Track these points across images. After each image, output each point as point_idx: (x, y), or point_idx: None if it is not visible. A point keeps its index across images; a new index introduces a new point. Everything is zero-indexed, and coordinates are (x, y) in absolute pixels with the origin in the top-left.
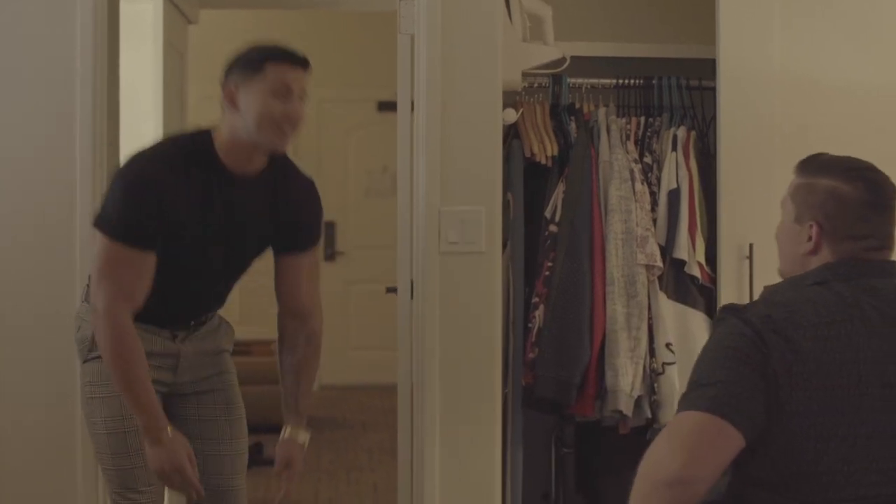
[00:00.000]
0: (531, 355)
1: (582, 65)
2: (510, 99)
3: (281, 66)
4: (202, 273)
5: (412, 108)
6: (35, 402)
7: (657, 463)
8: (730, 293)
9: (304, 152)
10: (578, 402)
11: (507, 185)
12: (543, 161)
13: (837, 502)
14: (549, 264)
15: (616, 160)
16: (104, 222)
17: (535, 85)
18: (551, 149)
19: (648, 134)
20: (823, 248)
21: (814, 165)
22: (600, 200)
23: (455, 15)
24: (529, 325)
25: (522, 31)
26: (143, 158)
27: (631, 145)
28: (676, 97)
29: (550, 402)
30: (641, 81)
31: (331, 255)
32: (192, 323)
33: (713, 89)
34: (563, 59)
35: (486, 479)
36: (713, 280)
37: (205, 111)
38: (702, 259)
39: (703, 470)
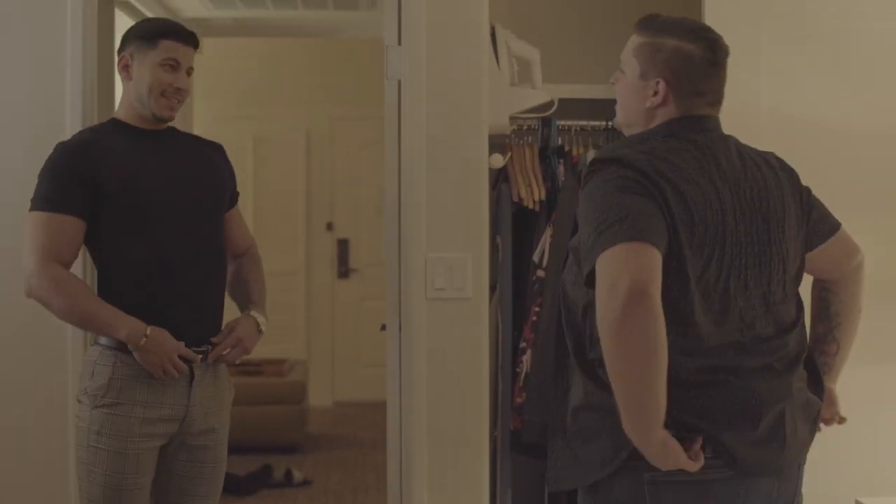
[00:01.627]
0: (519, 400)
1: (571, 107)
2: (499, 142)
3: (173, 43)
4: (174, 234)
5: (399, 154)
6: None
7: (607, 302)
8: None
9: (317, 170)
10: None
11: (496, 229)
12: (531, 205)
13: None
14: (537, 309)
15: None
16: (32, 203)
17: (525, 127)
18: (539, 193)
19: None
20: (670, 103)
21: (656, 25)
22: None
23: (440, 61)
24: (517, 369)
25: (510, 75)
26: (60, 142)
27: None
28: None
29: (538, 446)
30: None
31: (344, 273)
32: (203, 342)
33: None
34: (552, 103)
35: None
36: None
37: (221, 130)
38: None
39: (646, 275)
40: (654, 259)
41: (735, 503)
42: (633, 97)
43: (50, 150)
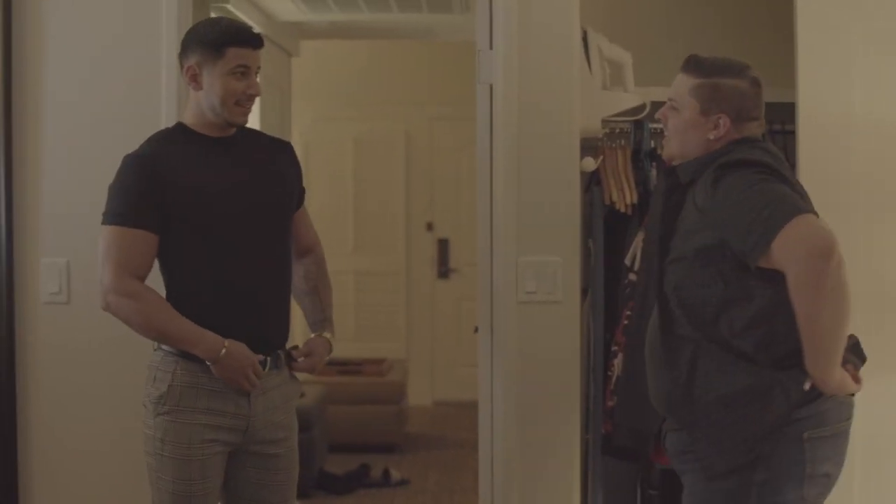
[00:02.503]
0: (610, 403)
1: None
2: (591, 145)
3: (240, 49)
4: (242, 243)
5: (490, 158)
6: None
7: (816, 262)
8: None
9: (416, 170)
10: (657, 451)
11: (588, 232)
12: (623, 209)
13: None
14: (628, 313)
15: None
16: (105, 217)
17: (617, 130)
18: (630, 196)
19: None
20: (729, 133)
21: (705, 67)
22: None
23: (532, 65)
24: (609, 373)
25: (602, 79)
26: (128, 154)
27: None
28: None
29: (628, 450)
30: None
31: (444, 273)
32: (267, 348)
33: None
34: (644, 106)
35: None
36: None
37: (321, 131)
38: None
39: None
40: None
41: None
42: (693, 132)
43: (146, 135)
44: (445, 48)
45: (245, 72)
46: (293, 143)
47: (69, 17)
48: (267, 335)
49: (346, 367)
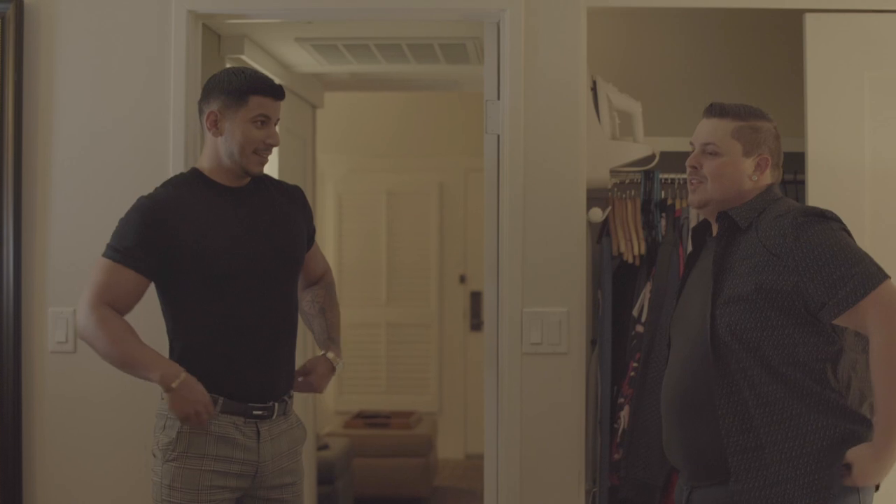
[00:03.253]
0: (616, 456)
1: (674, 160)
2: (601, 195)
3: (263, 98)
4: (247, 295)
5: (497, 207)
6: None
7: None
8: None
9: (449, 222)
10: (663, 503)
11: (598, 283)
12: (630, 259)
13: None
14: (635, 365)
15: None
16: (104, 251)
17: (627, 181)
18: (638, 247)
19: None
20: (766, 173)
21: (739, 111)
22: None
23: (539, 116)
24: (615, 425)
25: (612, 129)
26: (143, 196)
27: None
28: None
29: (635, 503)
30: None
31: (477, 325)
32: (274, 395)
33: None
34: (653, 156)
35: None
36: None
37: (355, 182)
38: None
39: None
40: None
41: None
42: (737, 174)
43: (153, 188)
44: (478, 99)
45: (266, 121)
46: (327, 195)
47: (79, 74)
48: (273, 381)
49: (375, 419)
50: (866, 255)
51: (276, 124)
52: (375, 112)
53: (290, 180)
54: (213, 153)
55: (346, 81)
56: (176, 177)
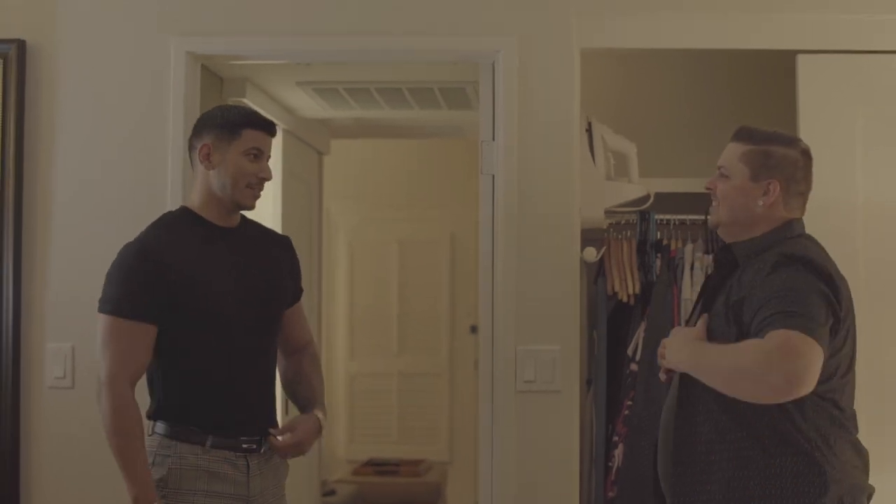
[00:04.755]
0: (611, 494)
1: (669, 201)
2: (597, 236)
3: (256, 132)
4: (237, 335)
5: (493, 247)
6: None
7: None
8: None
9: (460, 271)
10: None
11: (594, 322)
12: (625, 299)
13: None
14: (629, 403)
15: None
16: (102, 304)
17: (623, 222)
18: (633, 287)
19: None
20: (779, 202)
21: (756, 136)
22: None
23: (532, 156)
24: (610, 464)
25: (606, 169)
26: (133, 240)
27: None
28: None
29: None
30: None
31: None
32: (260, 432)
33: None
34: (648, 196)
35: None
36: None
37: (366, 232)
38: None
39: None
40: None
41: None
42: (743, 198)
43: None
44: None
45: (258, 155)
46: (339, 245)
47: (80, 113)
48: (256, 418)
49: (384, 467)
50: (812, 306)
51: (267, 160)
52: (387, 162)
53: (297, 227)
54: (205, 187)
55: (352, 128)
56: (165, 216)
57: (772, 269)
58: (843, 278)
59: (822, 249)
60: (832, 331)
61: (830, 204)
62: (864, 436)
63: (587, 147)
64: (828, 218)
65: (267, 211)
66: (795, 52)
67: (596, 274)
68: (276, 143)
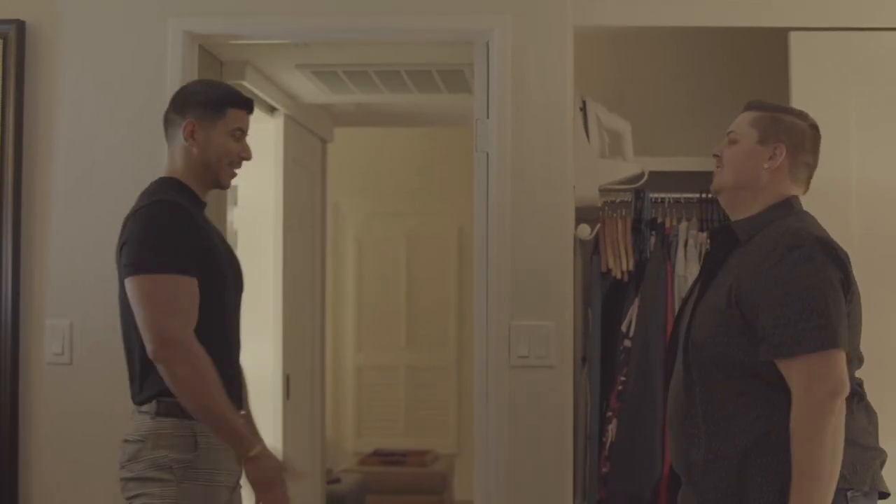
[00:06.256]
0: (604, 469)
1: (663, 179)
2: (592, 214)
3: (240, 112)
4: (235, 306)
5: (486, 225)
6: None
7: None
8: None
9: (469, 264)
10: None
11: (589, 300)
12: (619, 276)
13: None
14: (623, 379)
15: (691, 275)
16: (150, 265)
17: (618, 200)
18: (627, 264)
19: None
20: (783, 167)
21: (767, 105)
22: (674, 315)
23: (526, 134)
24: (603, 439)
25: (601, 148)
26: (158, 200)
27: None
28: None
29: None
30: None
31: None
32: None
33: None
34: (642, 174)
35: None
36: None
37: (374, 226)
38: None
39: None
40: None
41: None
42: (750, 161)
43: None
44: None
45: (241, 135)
46: (347, 239)
47: (80, 93)
48: (243, 391)
49: (390, 457)
50: (828, 310)
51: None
52: (394, 157)
53: (300, 214)
54: (187, 162)
55: (354, 114)
56: (165, 184)
57: (784, 254)
58: (844, 252)
59: (821, 226)
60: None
61: (824, 182)
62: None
63: (581, 125)
64: (821, 196)
65: (267, 198)
66: (787, 30)
67: (591, 252)
68: (277, 129)
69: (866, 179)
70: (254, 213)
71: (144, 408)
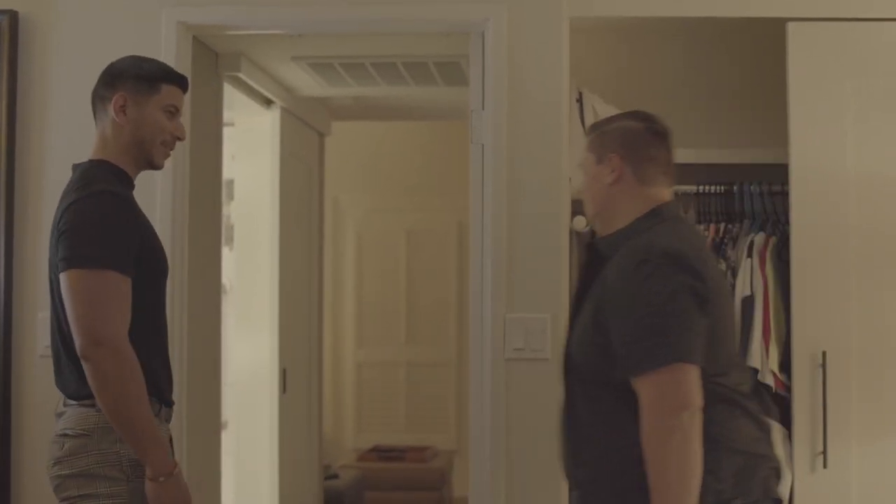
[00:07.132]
0: None
1: None
2: None
3: (174, 88)
4: (164, 298)
5: (482, 216)
6: None
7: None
8: (804, 401)
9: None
10: None
11: None
12: None
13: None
14: None
15: None
16: (87, 261)
17: None
18: None
19: (725, 240)
20: (626, 174)
21: (599, 123)
22: None
23: (521, 125)
24: None
25: None
26: (101, 190)
27: None
28: (758, 203)
29: None
30: (723, 188)
31: None
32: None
33: None
34: None
35: None
36: (788, 389)
37: (374, 222)
38: (776, 367)
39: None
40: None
41: None
42: (596, 184)
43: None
44: None
45: (174, 112)
46: (347, 235)
47: (73, 83)
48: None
49: (389, 453)
50: (679, 324)
51: (180, 117)
52: (394, 152)
53: (297, 208)
54: (119, 141)
55: (352, 108)
56: (102, 169)
57: (631, 270)
58: (705, 261)
59: (691, 232)
60: (705, 313)
61: (821, 173)
62: (858, 401)
63: (578, 116)
64: (819, 187)
65: (264, 191)
66: (785, 20)
67: (589, 242)
68: (274, 122)
69: (864, 171)
70: (250, 207)
71: (87, 401)
